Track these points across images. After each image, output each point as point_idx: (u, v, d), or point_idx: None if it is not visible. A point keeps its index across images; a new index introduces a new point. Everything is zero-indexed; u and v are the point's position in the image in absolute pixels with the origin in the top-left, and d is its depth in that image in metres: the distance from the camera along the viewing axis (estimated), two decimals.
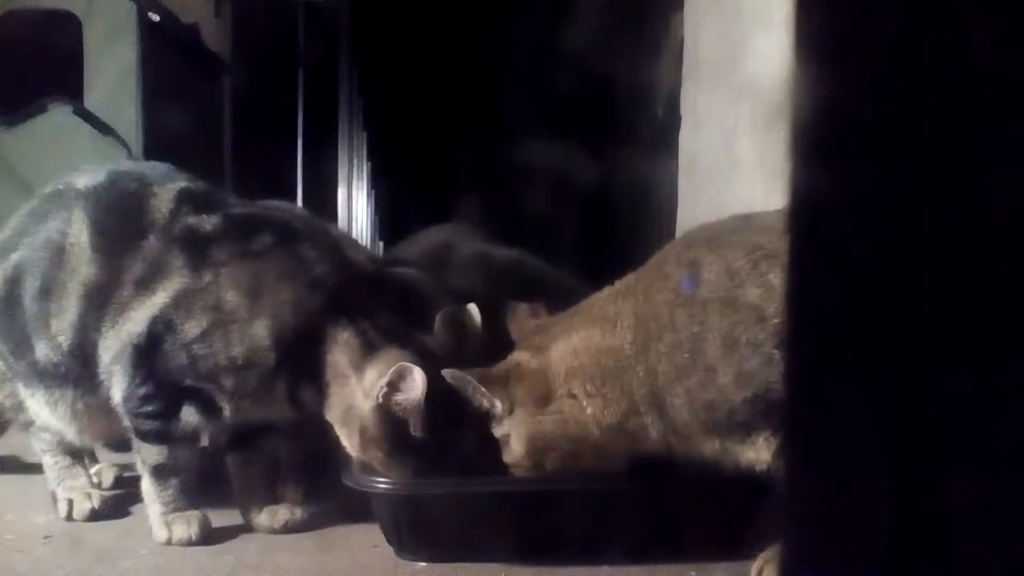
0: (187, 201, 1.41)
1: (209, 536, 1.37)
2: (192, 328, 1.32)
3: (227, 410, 1.36)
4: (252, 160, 3.37)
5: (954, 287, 0.44)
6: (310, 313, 1.34)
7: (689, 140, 2.38)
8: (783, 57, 0.49)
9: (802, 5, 0.47)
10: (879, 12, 0.46)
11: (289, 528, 1.42)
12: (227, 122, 3.42)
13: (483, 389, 1.25)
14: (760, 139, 1.86)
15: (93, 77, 2.60)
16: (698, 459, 1.18)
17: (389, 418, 1.30)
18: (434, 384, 1.26)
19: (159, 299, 1.34)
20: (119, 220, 1.40)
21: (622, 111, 3.17)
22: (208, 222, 1.38)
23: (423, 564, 1.28)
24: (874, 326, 0.46)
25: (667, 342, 1.15)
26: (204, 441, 1.61)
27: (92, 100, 2.59)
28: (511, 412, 1.25)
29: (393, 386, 1.28)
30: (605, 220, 3.32)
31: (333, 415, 1.36)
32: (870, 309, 0.46)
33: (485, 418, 1.28)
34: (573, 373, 1.22)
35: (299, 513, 1.44)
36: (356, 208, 3.53)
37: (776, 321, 1.07)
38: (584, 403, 1.21)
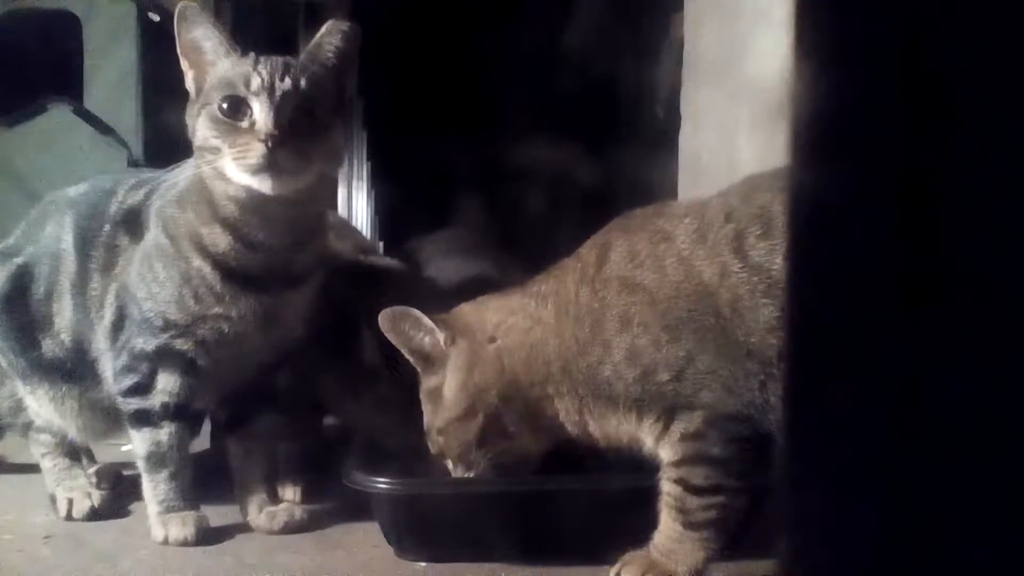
0: (133, 190, 1.49)
1: (208, 536, 1.37)
2: (136, 280, 1.39)
3: (191, 352, 1.37)
4: None
5: (955, 287, 0.44)
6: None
7: (689, 140, 2.38)
8: (783, 57, 0.49)
9: (802, 5, 0.47)
10: (879, 11, 0.46)
11: (289, 528, 1.42)
12: None
13: (425, 319, 1.27)
14: (760, 139, 1.86)
15: (93, 77, 2.60)
16: (615, 439, 1.21)
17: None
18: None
19: (117, 276, 1.43)
20: (90, 221, 1.48)
21: (622, 111, 3.17)
22: (137, 198, 1.47)
23: (423, 564, 1.28)
24: (874, 326, 0.46)
25: (572, 316, 1.20)
26: (203, 443, 1.61)
27: (92, 100, 2.59)
28: (453, 342, 1.27)
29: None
30: (605, 220, 3.31)
31: None
32: (870, 309, 0.46)
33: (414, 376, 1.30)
34: (505, 325, 1.26)
35: (299, 513, 1.44)
36: (356, 208, 3.52)
37: (664, 306, 1.12)
38: (513, 354, 1.24)
